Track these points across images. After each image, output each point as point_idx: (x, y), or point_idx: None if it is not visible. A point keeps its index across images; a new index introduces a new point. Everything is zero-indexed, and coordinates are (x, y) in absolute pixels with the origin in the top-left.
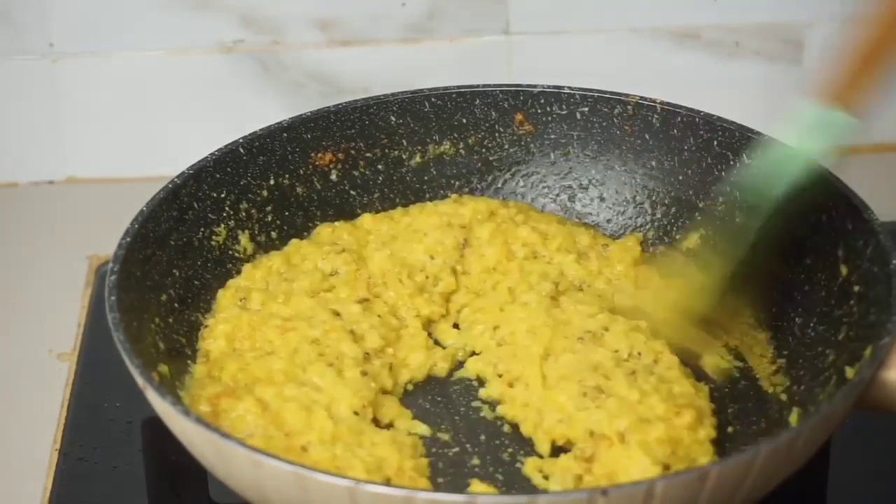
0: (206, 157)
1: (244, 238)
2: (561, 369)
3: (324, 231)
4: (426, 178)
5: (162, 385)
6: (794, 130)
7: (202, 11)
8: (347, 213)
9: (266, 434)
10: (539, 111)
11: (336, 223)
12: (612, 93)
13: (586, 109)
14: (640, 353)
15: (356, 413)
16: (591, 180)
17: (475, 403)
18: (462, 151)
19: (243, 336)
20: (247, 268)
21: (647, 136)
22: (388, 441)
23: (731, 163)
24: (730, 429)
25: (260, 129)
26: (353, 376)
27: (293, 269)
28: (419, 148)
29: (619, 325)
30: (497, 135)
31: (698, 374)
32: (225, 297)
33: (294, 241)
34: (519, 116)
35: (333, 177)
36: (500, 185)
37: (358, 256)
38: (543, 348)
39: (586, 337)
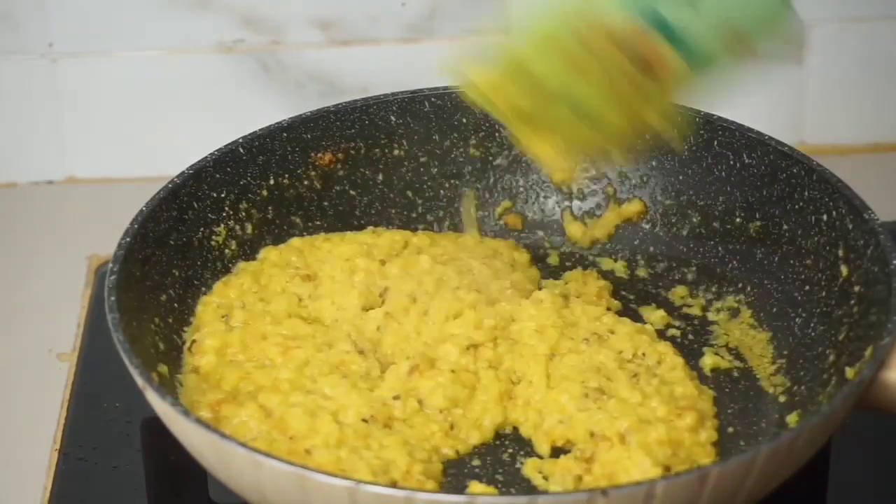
0: (206, 157)
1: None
2: (564, 370)
3: (271, 254)
4: (426, 177)
5: (162, 385)
6: None
7: (202, 11)
8: (346, 213)
9: (269, 438)
10: None
11: (281, 245)
12: None
13: None
14: (644, 354)
15: (365, 421)
16: (590, 179)
17: None
18: (462, 151)
19: (236, 351)
20: (217, 285)
21: (646, 136)
22: (398, 443)
23: (731, 163)
24: (730, 429)
25: (260, 129)
26: (366, 387)
27: (263, 289)
28: (419, 148)
29: (625, 327)
30: (497, 134)
31: (703, 377)
32: (206, 313)
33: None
34: None
35: (333, 177)
36: (499, 186)
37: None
38: (549, 348)
39: (591, 338)
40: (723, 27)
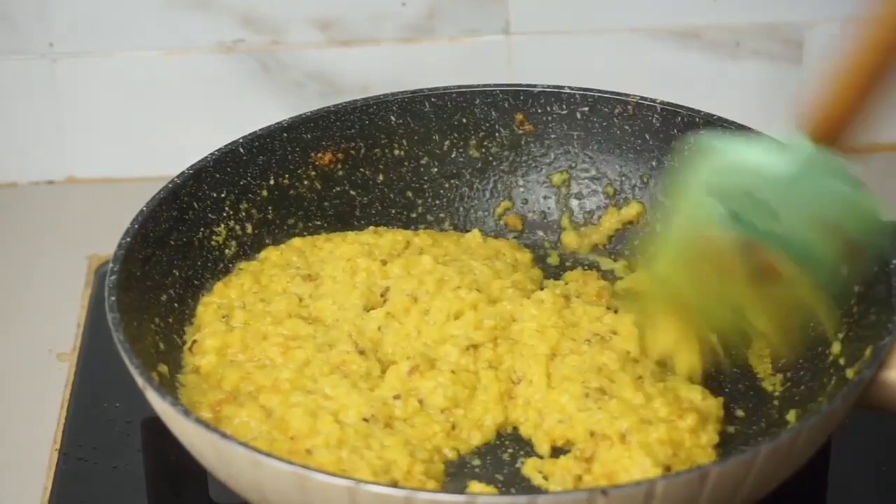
0: (206, 157)
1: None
2: (565, 370)
3: (272, 254)
4: (426, 177)
5: (162, 385)
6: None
7: (202, 11)
8: (347, 213)
9: (270, 438)
10: (539, 111)
11: (282, 246)
12: (612, 93)
13: (586, 109)
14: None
15: (366, 421)
16: (591, 180)
17: None
18: (462, 151)
19: (237, 351)
20: (218, 285)
21: (647, 136)
22: (400, 443)
23: None
24: (730, 429)
25: (260, 129)
26: (367, 387)
27: (264, 289)
28: (419, 148)
29: (627, 327)
30: (497, 135)
31: (709, 383)
32: (206, 314)
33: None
34: (519, 116)
35: (333, 177)
36: (499, 186)
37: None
38: (550, 349)
39: (593, 339)
40: (819, 228)
